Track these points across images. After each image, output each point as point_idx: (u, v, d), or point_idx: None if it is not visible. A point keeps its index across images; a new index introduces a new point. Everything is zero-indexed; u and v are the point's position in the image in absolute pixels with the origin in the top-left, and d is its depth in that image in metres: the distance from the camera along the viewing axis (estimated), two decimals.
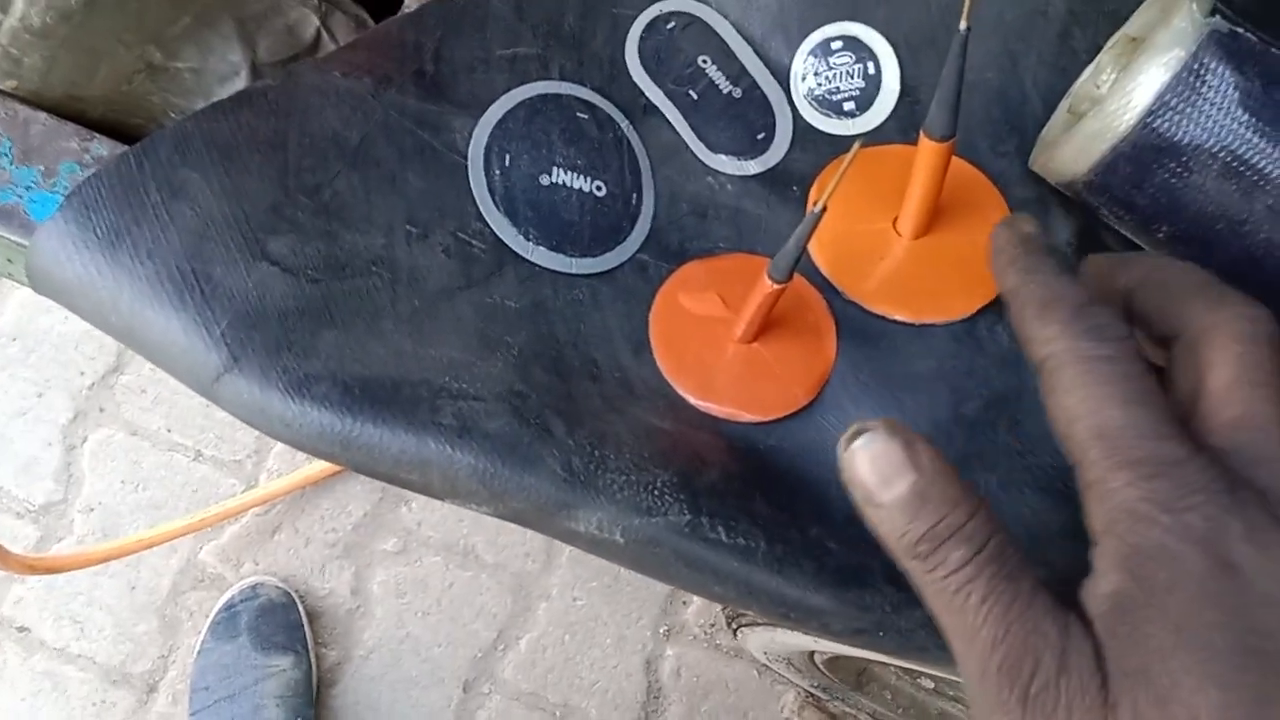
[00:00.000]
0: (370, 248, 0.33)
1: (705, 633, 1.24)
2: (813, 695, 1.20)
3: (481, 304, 0.34)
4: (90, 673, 1.16)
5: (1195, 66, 0.34)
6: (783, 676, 1.18)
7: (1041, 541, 0.36)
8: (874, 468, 0.26)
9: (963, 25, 0.32)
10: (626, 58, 0.40)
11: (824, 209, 0.31)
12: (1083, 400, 0.26)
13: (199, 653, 1.14)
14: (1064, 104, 0.40)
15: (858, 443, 0.27)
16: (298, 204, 0.32)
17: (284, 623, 1.14)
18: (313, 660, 1.16)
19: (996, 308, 0.38)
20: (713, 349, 0.37)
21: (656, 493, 0.32)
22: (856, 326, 0.38)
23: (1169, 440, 0.25)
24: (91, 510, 1.19)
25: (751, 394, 0.36)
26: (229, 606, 1.15)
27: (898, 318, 0.38)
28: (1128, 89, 0.35)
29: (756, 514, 0.33)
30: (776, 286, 0.34)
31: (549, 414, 0.32)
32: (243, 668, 1.11)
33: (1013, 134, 0.41)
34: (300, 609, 1.16)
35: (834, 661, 0.97)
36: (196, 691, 1.12)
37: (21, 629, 1.16)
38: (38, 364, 1.22)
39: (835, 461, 0.36)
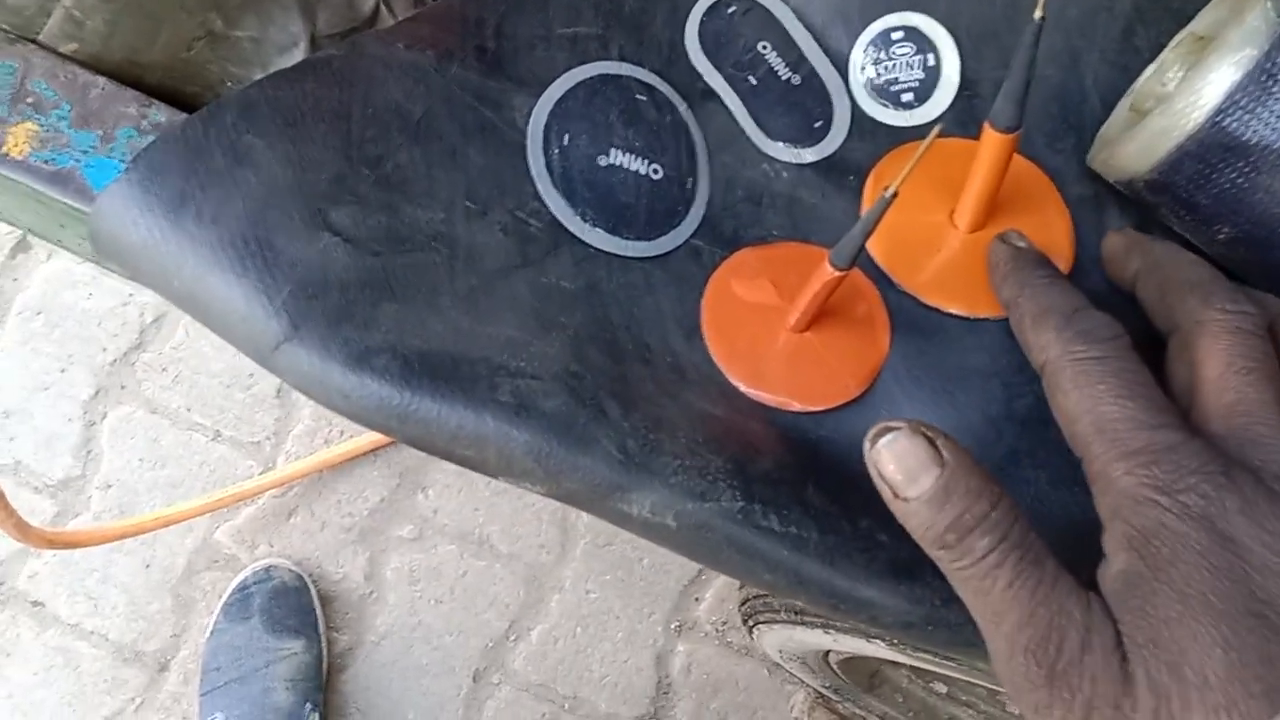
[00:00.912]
0: (430, 223, 0.32)
1: (717, 630, 1.24)
2: (823, 696, 1.19)
3: (537, 284, 0.34)
4: (103, 649, 1.16)
5: (1268, 66, 0.34)
6: (794, 676, 1.18)
7: (1091, 540, 0.35)
8: (899, 465, 0.28)
9: (1037, 14, 0.32)
10: (686, 41, 0.39)
11: (895, 194, 0.30)
12: (1080, 399, 0.28)
13: (211, 633, 1.14)
14: (1125, 102, 0.40)
15: (883, 441, 0.28)
16: (360, 175, 0.32)
17: (296, 606, 1.14)
18: (324, 645, 1.16)
19: None
20: (765, 337, 0.37)
21: (710, 478, 0.31)
22: (910, 319, 0.38)
23: (1163, 428, 0.27)
24: (109, 487, 1.19)
25: (803, 383, 0.36)
26: (242, 588, 1.15)
27: (952, 311, 0.38)
28: (1196, 87, 0.35)
29: (809, 504, 0.32)
30: (838, 273, 0.33)
31: (604, 395, 0.32)
32: (254, 650, 1.11)
33: (1070, 131, 0.41)
34: (313, 593, 1.16)
35: (848, 662, 0.96)
36: (207, 672, 1.12)
37: (35, 603, 1.17)
38: (61, 339, 1.22)
39: None
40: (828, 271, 0.34)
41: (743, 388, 0.36)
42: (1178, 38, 0.39)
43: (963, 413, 0.37)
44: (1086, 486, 0.37)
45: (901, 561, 0.32)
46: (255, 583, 1.15)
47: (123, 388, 1.21)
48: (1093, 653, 0.26)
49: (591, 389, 0.32)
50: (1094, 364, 0.28)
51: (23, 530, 0.89)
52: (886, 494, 0.29)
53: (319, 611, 1.17)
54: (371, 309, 0.30)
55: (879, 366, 0.37)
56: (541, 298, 0.34)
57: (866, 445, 0.29)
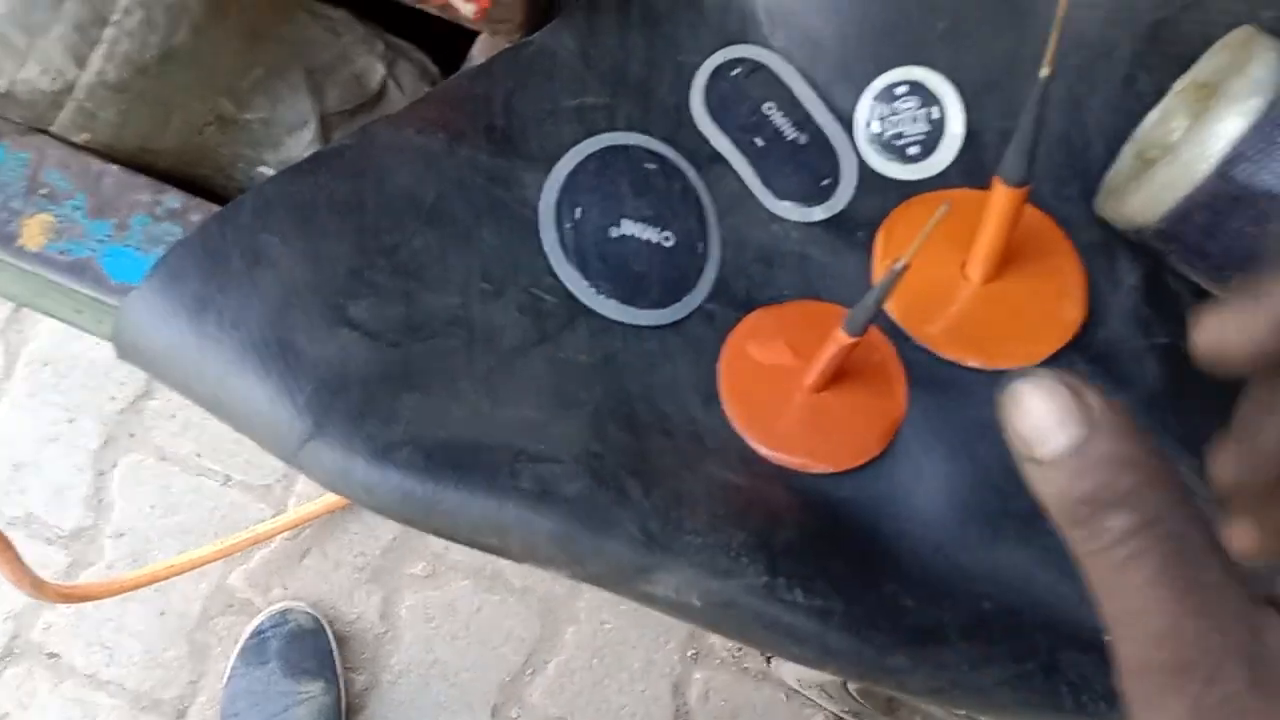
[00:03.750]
0: (447, 307, 0.32)
1: (733, 656, 1.23)
2: None
3: (554, 359, 0.34)
4: (120, 699, 1.16)
5: (1274, 116, 0.34)
6: (812, 701, 1.17)
7: None
8: (1031, 419, 0.22)
9: (1044, 71, 0.32)
10: (692, 106, 0.39)
11: (905, 267, 0.31)
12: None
13: (229, 679, 1.13)
14: (1129, 148, 0.40)
15: (1017, 390, 0.22)
16: (376, 266, 0.32)
17: (313, 649, 1.14)
18: (342, 686, 1.16)
19: (1068, 353, 0.38)
20: (783, 398, 0.37)
21: (733, 554, 0.31)
22: (927, 373, 0.38)
23: None
24: (121, 535, 1.19)
25: (823, 444, 0.36)
26: (258, 632, 1.14)
27: (969, 363, 0.38)
28: (1202, 138, 0.35)
29: (833, 573, 0.32)
30: (851, 340, 0.33)
31: (625, 474, 0.32)
32: (273, 694, 1.10)
33: (1076, 178, 0.41)
34: (329, 634, 1.16)
35: (868, 688, 0.96)
36: (226, 718, 1.11)
37: (51, 655, 1.16)
38: (69, 389, 1.22)
39: (909, 511, 0.36)
40: (841, 338, 0.34)
41: (762, 451, 0.36)
42: (1180, 83, 0.39)
43: (983, 467, 0.37)
44: None
45: (927, 626, 0.32)
46: (271, 626, 1.14)
47: (131, 436, 1.21)
48: (1266, 690, 0.20)
49: (612, 469, 0.32)
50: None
51: (38, 586, 0.89)
52: (1016, 453, 0.22)
53: (336, 653, 1.16)
54: (393, 401, 0.30)
55: (898, 424, 0.37)
56: (559, 374, 0.34)
57: (1000, 397, 0.23)
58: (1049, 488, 0.22)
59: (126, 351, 0.30)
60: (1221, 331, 0.25)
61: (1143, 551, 0.20)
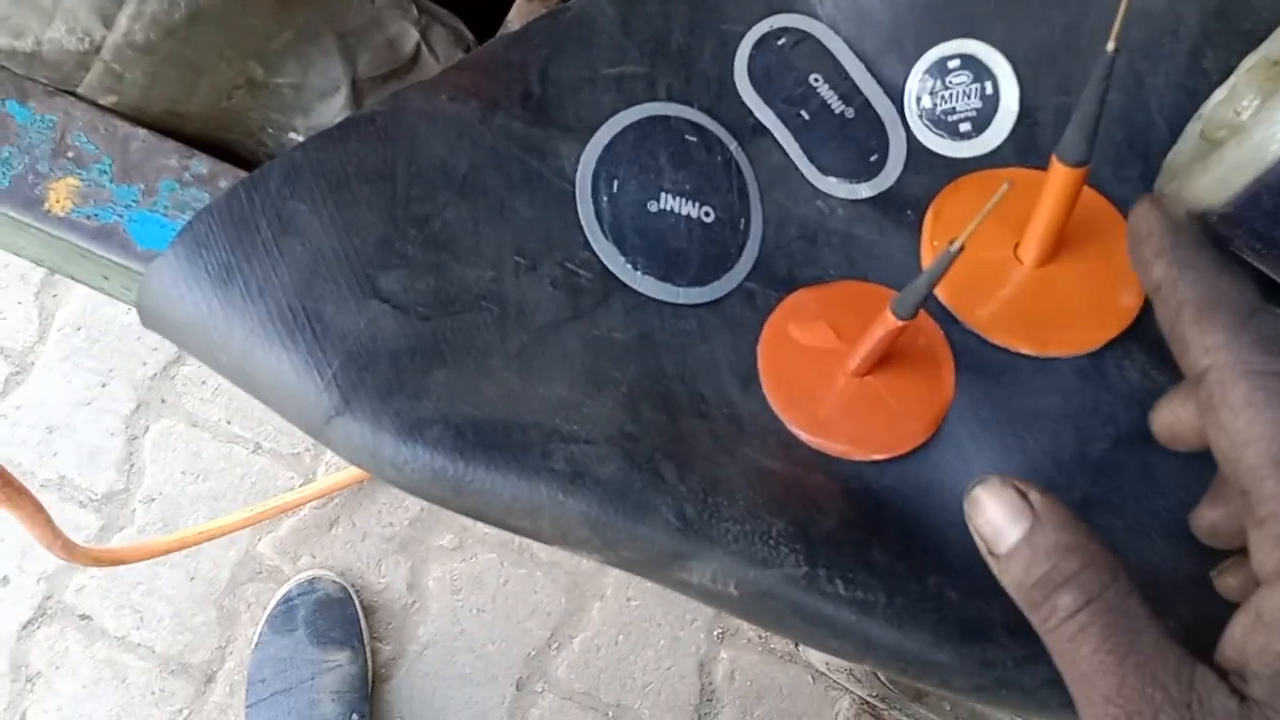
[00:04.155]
0: (479, 281, 0.31)
1: (760, 636, 1.23)
2: (869, 704, 1.18)
3: (589, 336, 0.33)
4: (149, 662, 1.17)
5: None
6: (839, 684, 1.17)
7: (1170, 591, 0.34)
8: (988, 520, 0.27)
9: (1110, 46, 0.31)
10: (735, 76, 0.38)
11: (961, 248, 0.29)
12: (1254, 422, 0.24)
13: (256, 645, 1.14)
14: (1192, 128, 0.38)
15: (974, 494, 0.27)
16: (407, 236, 0.31)
17: (341, 617, 1.14)
18: (369, 655, 1.16)
19: (1124, 342, 0.36)
20: (824, 382, 0.35)
21: (772, 543, 0.30)
22: (976, 359, 0.36)
23: None
24: (152, 500, 1.20)
25: (866, 430, 0.35)
26: (286, 600, 1.15)
27: (1020, 350, 0.36)
28: (1276, 118, 0.33)
29: (875, 564, 0.31)
30: (900, 323, 0.32)
31: (660, 457, 0.31)
32: (299, 662, 1.11)
33: (1136, 159, 0.39)
34: (357, 604, 1.17)
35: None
36: (253, 684, 1.12)
37: (83, 617, 1.18)
38: (101, 354, 1.22)
39: (954, 503, 0.35)
40: (890, 320, 0.32)
41: (803, 436, 0.35)
42: (1249, 61, 0.37)
43: (1033, 457, 0.35)
44: (1166, 536, 0.35)
45: (972, 620, 0.31)
46: (299, 594, 1.15)
47: (163, 401, 1.22)
48: None
49: (647, 451, 0.31)
50: (1276, 381, 0.24)
51: (69, 549, 0.90)
52: (982, 550, 0.27)
53: (363, 622, 1.17)
54: (422, 377, 0.29)
55: (944, 410, 0.36)
56: (593, 352, 0.33)
57: (965, 502, 0.28)
58: (1010, 578, 0.26)
59: (150, 319, 0.29)
60: (1173, 417, 0.30)
61: (1089, 624, 0.24)
